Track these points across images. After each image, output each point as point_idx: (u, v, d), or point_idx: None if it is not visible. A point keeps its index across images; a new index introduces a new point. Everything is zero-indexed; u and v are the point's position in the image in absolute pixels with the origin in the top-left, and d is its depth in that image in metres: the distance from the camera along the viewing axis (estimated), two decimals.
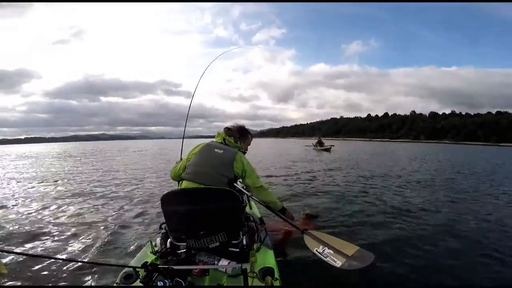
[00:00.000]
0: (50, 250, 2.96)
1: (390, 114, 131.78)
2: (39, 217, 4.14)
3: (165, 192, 1.80)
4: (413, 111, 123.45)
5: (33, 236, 3.32)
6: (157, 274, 1.42)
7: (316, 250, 1.77)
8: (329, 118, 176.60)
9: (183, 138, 3.25)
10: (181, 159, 2.39)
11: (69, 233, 3.41)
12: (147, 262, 1.46)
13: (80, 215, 4.17)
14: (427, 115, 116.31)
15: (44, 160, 17.28)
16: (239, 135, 2.22)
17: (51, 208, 4.67)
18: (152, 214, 3.95)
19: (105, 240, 3.16)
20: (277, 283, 1.51)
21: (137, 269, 1.46)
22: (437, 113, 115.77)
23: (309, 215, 3.58)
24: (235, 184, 2.01)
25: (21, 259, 2.58)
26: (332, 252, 1.72)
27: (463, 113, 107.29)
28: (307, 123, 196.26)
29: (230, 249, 1.74)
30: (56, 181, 7.88)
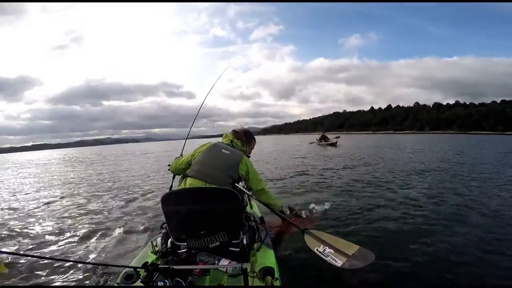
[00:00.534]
0: (51, 250, 2.99)
1: (393, 106, 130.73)
2: (40, 218, 4.22)
3: (165, 192, 1.81)
4: (417, 103, 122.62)
5: (34, 237, 3.37)
6: (157, 274, 1.42)
7: (317, 250, 1.77)
8: (331, 113, 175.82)
9: (186, 137, 3.38)
10: (181, 154, 2.50)
11: (69, 234, 3.44)
12: (147, 262, 1.47)
13: (80, 216, 4.22)
14: (431, 106, 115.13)
15: (52, 166, 17.49)
16: (246, 139, 2.33)
17: (53, 210, 4.73)
18: (154, 214, 3.99)
19: (106, 240, 3.19)
20: (277, 283, 1.51)
21: (138, 269, 1.47)
22: (441, 103, 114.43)
23: (292, 210, 3.34)
24: (236, 184, 2.04)
25: (22, 259, 2.61)
26: (332, 251, 1.71)
27: (467, 103, 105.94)
28: (310, 119, 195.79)
29: (230, 248, 1.74)
30: (60, 184, 8.00)
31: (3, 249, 2.94)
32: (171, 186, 2.76)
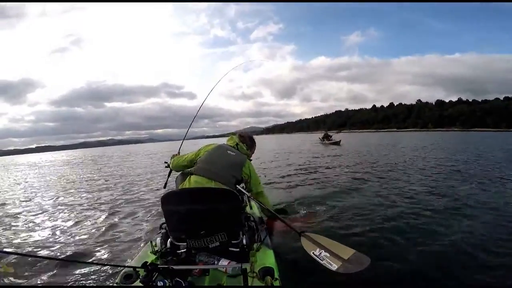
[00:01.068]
0: (51, 250, 3.01)
1: (395, 104, 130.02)
2: (41, 218, 4.27)
3: (165, 192, 1.82)
4: (419, 100, 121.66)
5: (35, 237, 3.41)
6: (157, 274, 1.43)
7: (313, 253, 1.76)
8: (333, 111, 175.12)
9: (184, 138, 3.46)
10: (178, 153, 2.60)
11: (69, 234, 3.47)
12: (147, 262, 1.47)
13: (80, 217, 4.24)
14: (434, 103, 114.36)
15: (56, 167, 17.64)
16: (250, 143, 2.47)
17: (55, 211, 4.76)
18: (154, 214, 3.97)
19: (105, 240, 3.21)
20: (276, 283, 1.51)
21: (137, 269, 1.48)
22: (444, 101, 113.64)
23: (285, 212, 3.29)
24: (237, 184, 2.06)
25: (23, 259, 2.63)
26: (328, 255, 1.71)
27: (470, 100, 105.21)
28: (312, 117, 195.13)
29: (230, 249, 1.75)
30: (61, 185, 8.08)
31: (7, 250, 3.00)
32: (166, 184, 2.78)
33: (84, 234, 3.42)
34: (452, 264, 2.52)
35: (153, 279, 1.41)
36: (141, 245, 2.79)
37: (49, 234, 3.50)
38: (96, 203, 5.11)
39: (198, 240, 1.68)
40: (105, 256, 2.81)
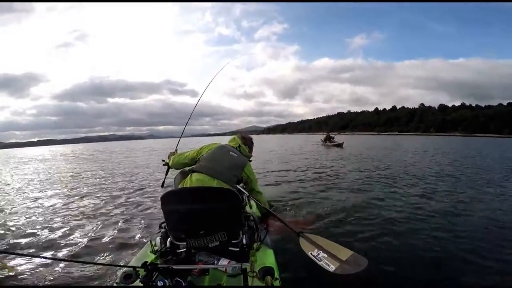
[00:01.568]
0: (51, 250, 3.00)
1: (398, 107, 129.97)
2: (41, 218, 4.23)
3: (164, 192, 1.80)
4: (422, 104, 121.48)
5: (34, 238, 3.38)
6: (156, 273, 1.42)
7: (311, 254, 1.76)
8: (335, 113, 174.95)
9: (181, 135, 3.52)
10: (176, 151, 2.64)
11: (69, 233, 3.45)
12: (146, 261, 1.47)
13: (80, 216, 4.22)
14: (437, 108, 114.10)
15: (57, 162, 17.70)
16: (251, 145, 2.54)
17: (54, 210, 4.73)
18: (153, 214, 3.96)
19: (105, 240, 3.20)
20: (277, 283, 1.50)
21: (137, 269, 1.47)
22: (447, 105, 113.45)
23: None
24: (237, 184, 2.07)
25: (23, 260, 2.64)
26: (326, 255, 1.70)
27: (473, 105, 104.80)
28: (314, 118, 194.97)
29: (230, 248, 1.74)
30: (61, 182, 8.05)
31: (8, 250, 3.01)
32: (163, 183, 2.79)
33: (84, 234, 3.40)
34: (449, 267, 2.55)
35: (153, 278, 1.40)
36: (141, 244, 2.77)
37: (48, 234, 3.47)
38: (95, 202, 5.07)
39: (198, 240, 1.67)
40: (105, 256, 2.81)
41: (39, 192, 6.62)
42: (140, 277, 1.42)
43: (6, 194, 6.52)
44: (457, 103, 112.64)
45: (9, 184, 8.23)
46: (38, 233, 3.53)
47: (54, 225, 3.82)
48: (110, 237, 3.27)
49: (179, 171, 2.26)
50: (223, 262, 1.67)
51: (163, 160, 2.73)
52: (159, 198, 1.77)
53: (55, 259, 2.63)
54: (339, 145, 19.48)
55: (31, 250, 3.02)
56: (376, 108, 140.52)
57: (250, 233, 1.90)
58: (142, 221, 3.78)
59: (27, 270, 2.48)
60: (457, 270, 2.50)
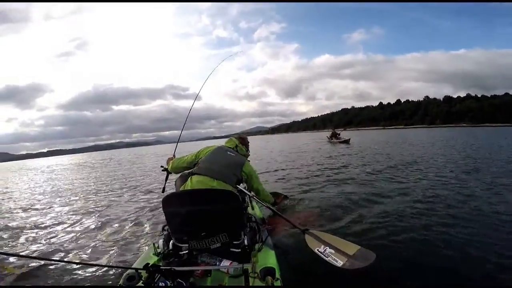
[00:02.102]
0: (54, 252, 3.06)
1: (402, 101, 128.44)
2: (45, 220, 4.34)
3: (166, 194, 1.82)
4: (427, 96, 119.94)
5: (40, 239, 3.47)
6: (159, 275, 1.45)
7: (317, 250, 1.76)
8: (339, 109, 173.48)
9: (178, 140, 3.50)
10: (174, 155, 2.67)
11: (73, 236, 3.51)
12: (149, 263, 1.50)
13: (84, 218, 4.29)
14: (442, 100, 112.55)
15: (64, 171, 17.84)
16: (247, 144, 2.60)
17: (57, 212, 4.86)
18: (157, 216, 4.03)
19: (108, 242, 3.24)
20: (278, 283, 1.52)
21: (140, 271, 1.50)
22: (452, 97, 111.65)
23: (278, 195, 3.24)
24: (238, 184, 2.10)
25: (26, 261, 2.69)
26: (333, 251, 1.71)
27: (479, 96, 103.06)
28: (318, 116, 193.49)
29: (231, 249, 1.75)
30: (69, 188, 8.20)
31: (10, 252, 3.07)
32: (164, 188, 2.81)
33: (87, 237, 3.46)
34: (458, 262, 2.48)
35: (155, 280, 1.43)
36: (144, 247, 2.82)
37: (53, 237, 3.55)
38: (99, 206, 5.16)
39: (199, 241, 1.69)
40: (108, 258, 2.84)
41: (46, 197, 6.77)
42: (143, 278, 1.45)
43: (14, 199, 6.78)
44: (462, 94, 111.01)
45: (17, 191, 8.48)
46: (41, 235, 3.61)
47: (58, 228, 3.90)
48: (113, 240, 3.31)
49: (179, 174, 2.29)
50: (225, 263, 1.69)
51: (162, 166, 2.76)
52: (161, 201, 1.79)
53: (59, 261, 2.65)
54: (346, 141, 18.95)
55: (33, 252, 3.08)
56: (381, 103, 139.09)
57: (251, 234, 1.93)
58: (146, 224, 3.82)
59: (28, 271, 2.53)
60: (467, 263, 2.44)
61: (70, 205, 5.43)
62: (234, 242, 1.75)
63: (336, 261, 1.64)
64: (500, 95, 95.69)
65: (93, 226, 3.89)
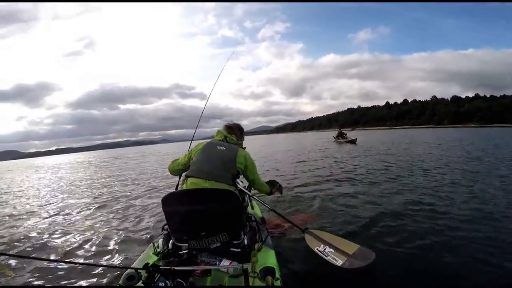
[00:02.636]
0: (54, 252, 3.05)
1: (409, 101, 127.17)
2: (44, 219, 4.32)
3: (166, 194, 1.82)
4: (434, 96, 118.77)
5: (36, 240, 3.43)
6: (158, 275, 1.45)
7: (317, 249, 1.76)
8: (345, 109, 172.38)
9: (192, 139, 3.40)
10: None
11: (72, 235, 3.49)
12: (148, 263, 1.50)
13: (83, 218, 4.27)
14: (449, 99, 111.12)
15: (68, 170, 18.06)
16: (239, 132, 2.35)
17: (57, 212, 4.80)
18: (157, 216, 4.02)
19: (108, 242, 3.23)
20: (278, 283, 1.51)
21: (139, 270, 1.49)
22: (460, 97, 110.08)
23: (274, 184, 2.85)
24: (237, 184, 2.05)
25: (26, 262, 2.67)
26: (333, 250, 1.71)
27: (488, 96, 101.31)
28: (323, 115, 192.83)
29: (231, 249, 1.75)
30: (71, 187, 8.17)
31: (7, 252, 2.97)
32: (177, 186, 2.81)
33: (87, 236, 3.43)
34: (458, 263, 2.47)
35: (155, 280, 1.43)
36: (144, 246, 2.78)
37: (52, 236, 3.53)
38: (99, 206, 5.13)
39: (199, 241, 1.69)
40: (108, 257, 2.84)
41: (46, 197, 6.74)
42: (142, 278, 1.45)
43: (15, 198, 6.78)
44: (470, 94, 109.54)
45: (19, 189, 8.56)
46: (40, 235, 3.58)
47: (57, 228, 3.86)
48: (113, 239, 3.31)
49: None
50: (225, 262, 1.69)
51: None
52: (161, 200, 1.78)
53: (57, 261, 2.64)
54: (352, 142, 18.62)
55: (33, 252, 3.07)
56: (387, 102, 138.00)
57: (251, 233, 1.92)
58: (146, 223, 3.81)
59: (28, 272, 2.51)
60: (467, 265, 2.41)
61: (69, 205, 5.41)
62: (234, 242, 1.75)
63: (336, 260, 1.64)
64: (509, 95, 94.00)
65: (91, 226, 3.86)
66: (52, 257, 2.89)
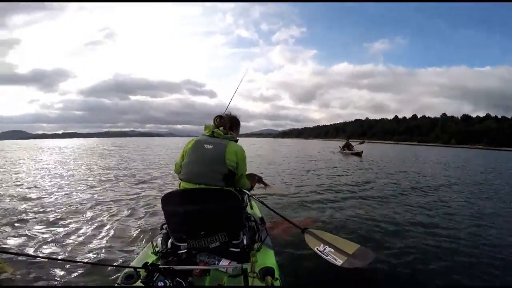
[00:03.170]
0: (51, 250, 2.94)
1: (419, 116, 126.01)
2: (39, 215, 4.10)
3: (165, 193, 1.80)
4: (444, 113, 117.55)
5: (32, 236, 3.28)
6: (157, 274, 1.44)
7: (317, 249, 1.76)
8: (353, 120, 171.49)
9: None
10: None
11: (70, 233, 3.37)
12: (147, 262, 1.49)
13: (81, 216, 4.09)
14: (459, 118, 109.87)
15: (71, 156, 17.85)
16: (231, 124, 2.14)
17: (54, 208, 4.50)
18: (156, 214, 3.97)
19: (107, 240, 3.17)
20: (277, 283, 1.52)
21: (138, 270, 1.49)
22: (471, 116, 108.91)
23: (252, 177, 2.81)
24: (229, 179, 1.92)
25: (24, 259, 2.58)
26: (332, 250, 1.71)
27: (499, 117, 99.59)
28: (330, 124, 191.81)
29: (230, 249, 1.75)
30: (68, 179, 7.63)
31: (6, 250, 2.84)
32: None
33: (85, 235, 3.34)
34: (453, 262, 2.57)
35: (154, 279, 1.42)
36: (143, 245, 2.78)
37: (47, 233, 3.38)
38: (97, 202, 4.91)
39: (198, 241, 1.68)
40: (106, 256, 2.79)
41: (44, 186, 6.39)
42: (141, 277, 1.44)
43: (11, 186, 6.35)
44: (482, 114, 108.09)
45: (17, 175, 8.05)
46: (37, 232, 3.42)
47: (54, 225, 3.69)
48: (111, 238, 3.25)
49: None
50: (224, 262, 1.68)
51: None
52: (161, 199, 1.76)
53: (55, 259, 2.56)
54: (358, 154, 18.38)
55: (29, 250, 2.93)
56: (396, 116, 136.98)
57: (250, 233, 1.91)
58: (145, 222, 3.76)
59: (25, 270, 2.42)
60: (464, 262, 2.64)
61: (66, 199, 5.12)
62: (233, 242, 1.74)
63: (336, 260, 1.64)
64: None
65: (89, 224, 3.73)
66: (46, 255, 2.79)
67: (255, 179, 2.65)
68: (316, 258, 1.78)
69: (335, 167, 11.50)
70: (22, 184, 6.64)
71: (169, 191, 1.83)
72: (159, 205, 1.78)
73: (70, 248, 2.98)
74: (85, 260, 2.68)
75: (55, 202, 4.93)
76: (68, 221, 3.86)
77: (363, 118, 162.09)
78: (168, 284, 1.42)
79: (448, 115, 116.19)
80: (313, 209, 4.09)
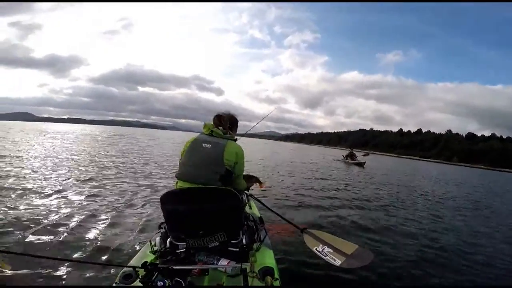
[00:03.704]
0: (49, 249, 2.86)
1: (423, 131, 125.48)
2: (38, 214, 3.84)
3: (164, 192, 1.77)
4: (449, 130, 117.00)
5: (30, 235, 3.14)
6: (156, 273, 1.43)
7: (316, 249, 1.77)
8: (357, 129, 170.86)
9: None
10: None
11: (67, 233, 3.25)
12: (146, 261, 1.48)
13: (79, 214, 3.91)
14: (464, 136, 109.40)
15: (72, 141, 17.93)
16: (230, 124, 2.11)
17: (51, 204, 4.31)
18: (154, 213, 3.95)
19: (105, 239, 3.10)
20: (276, 283, 1.51)
21: (137, 269, 1.48)
22: (475, 134, 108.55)
23: (250, 178, 2.73)
24: (226, 178, 1.88)
25: (20, 258, 2.47)
26: (331, 251, 1.72)
27: (504, 137, 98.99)
28: (334, 132, 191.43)
29: (229, 248, 1.73)
30: (69, 169, 7.42)
31: (3, 248, 2.71)
32: None
33: (83, 233, 3.25)
34: (452, 263, 2.59)
35: (153, 279, 1.41)
36: (141, 244, 2.73)
37: (46, 232, 3.24)
38: (96, 199, 4.72)
39: (197, 240, 1.67)
40: (104, 256, 2.76)
41: (42, 183, 5.76)
42: (140, 277, 1.43)
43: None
44: (487, 133, 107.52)
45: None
46: (33, 230, 3.26)
47: (52, 223, 3.52)
48: (110, 237, 3.18)
49: None
50: (223, 262, 1.67)
51: None
52: (159, 198, 1.73)
53: (53, 259, 2.48)
54: (360, 165, 18.46)
55: (26, 248, 2.83)
56: (401, 129, 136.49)
57: (249, 233, 1.90)
58: (143, 221, 3.71)
59: (24, 269, 2.36)
60: (461, 262, 2.77)
61: (63, 197, 4.79)
62: (232, 241, 1.73)
63: (334, 260, 1.65)
64: None
65: (87, 222, 3.60)
66: (46, 254, 2.70)
67: (252, 179, 2.66)
68: (315, 258, 1.79)
69: (337, 174, 11.53)
70: (18, 178, 5.91)
71: (168, 190, 1.81)
72: (158, 204, 1.76)
73: (66, 247, 2.89)
74: (83, 259, 2.63)
75: (52, 199, 4.61)
76: (65, 219, 3.68)
77: (367, 128, 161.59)
78: (167, 284, 1.41)
79: (453, 131, 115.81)
80: (312, 210, 4.11)
